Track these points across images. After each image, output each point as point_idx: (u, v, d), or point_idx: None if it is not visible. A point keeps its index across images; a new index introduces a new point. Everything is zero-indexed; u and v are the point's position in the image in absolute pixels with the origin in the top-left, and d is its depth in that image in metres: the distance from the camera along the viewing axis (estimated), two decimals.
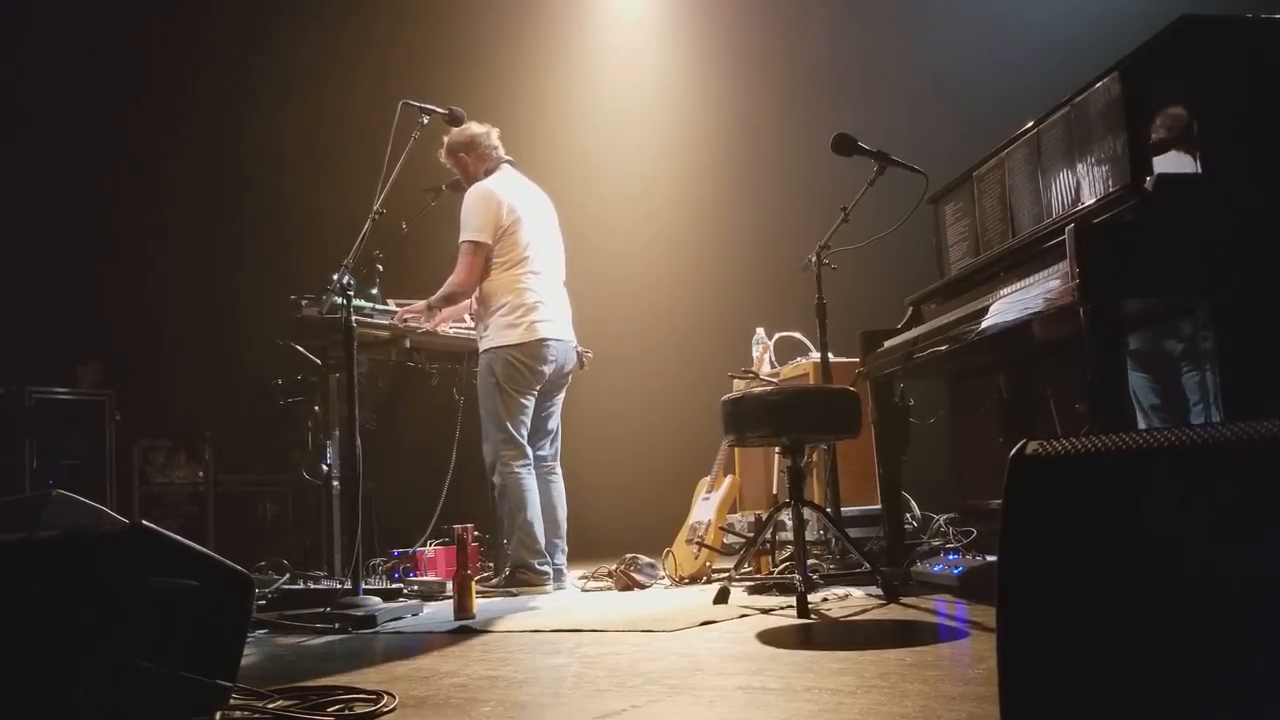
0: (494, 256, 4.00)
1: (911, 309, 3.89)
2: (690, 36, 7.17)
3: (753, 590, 3.53)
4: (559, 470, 4.25)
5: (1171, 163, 2.68)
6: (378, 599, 3.38)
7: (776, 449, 3.95)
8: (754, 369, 4.52)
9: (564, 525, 4.18)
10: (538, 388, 4.05)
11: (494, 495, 4.04)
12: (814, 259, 3.87)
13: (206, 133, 6.85)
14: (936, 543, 3.90)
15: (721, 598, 3.25)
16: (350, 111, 6.24)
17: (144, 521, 1.69)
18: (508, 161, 4.21)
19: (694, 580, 4.08)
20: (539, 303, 4.01)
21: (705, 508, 4.34)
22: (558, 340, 4.05)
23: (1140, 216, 2.55)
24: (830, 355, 3.96)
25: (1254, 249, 2.46)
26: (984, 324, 2.93)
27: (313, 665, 2.53)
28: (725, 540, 4.34)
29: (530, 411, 4.04)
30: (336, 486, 4.14)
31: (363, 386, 3.98)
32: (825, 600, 3.17)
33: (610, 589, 4.04)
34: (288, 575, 4.20)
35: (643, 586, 3.98)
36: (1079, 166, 3.05)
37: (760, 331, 4.71)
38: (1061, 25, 5.72)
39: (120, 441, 5.60)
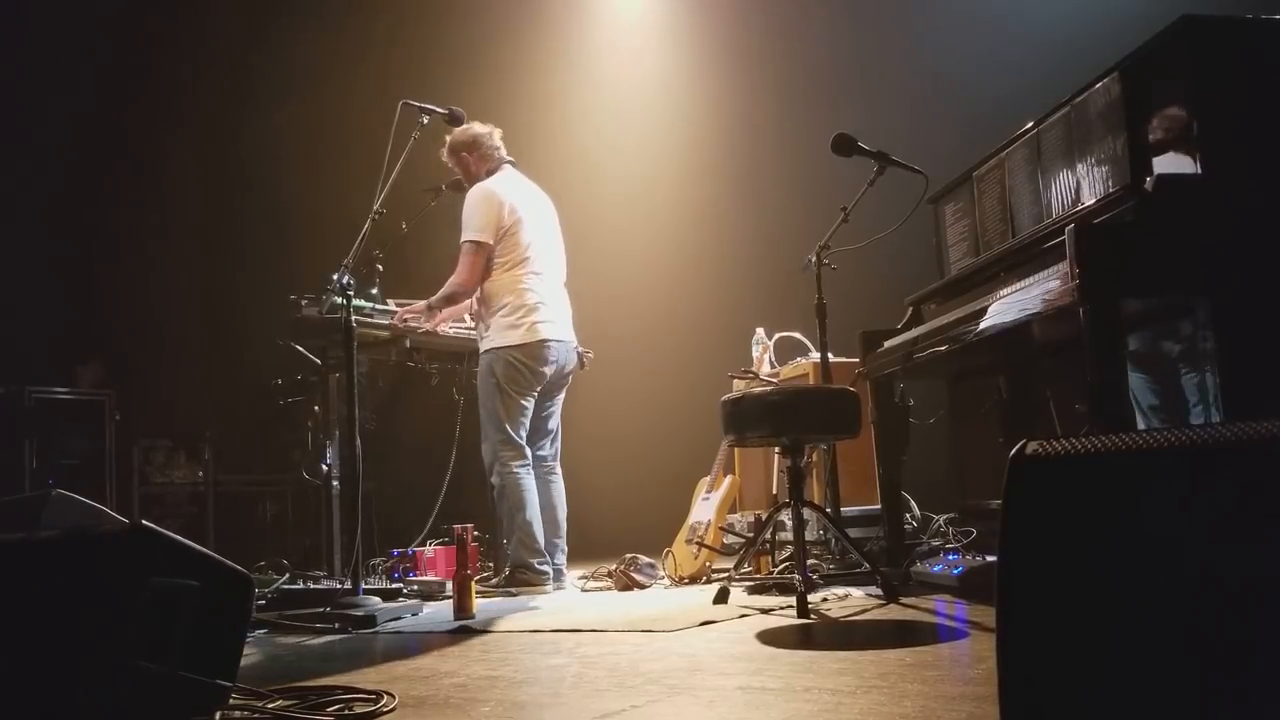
0: (495, 257, 4.00)
1: (911, 309, 3.89)
2: (690, 36, 7.17)
3: (752, 590, 3.54)
4: (559, 470, 4.25)
5: (1171, 163, 2.68)
6: (377, 599, 3.38)
7: (776, 449, 3.95)
8: (754, 369, 4.52)
9: (564, 525, 4.18)
10: (538, 389, 4.05)
11: (493, 496, 4.04)
12: (814, 259, 3.87)
13: (206, 133, 6.85)
14: (936, 543, 3.90)
15: (721, 598, 3.25)
16: (350, 111, 6.24)
17: (144, 521, 1.69)
18: (509, 162, 4.21)
19: (694, 580, 4.09)
20: (540, 304, 4.01)
21: (705, 508, 4.34)
22: (558, 341, 4.05)
23: (1140, 217, 2.55)
24: (830, 355, 3.96)
25: (1254, 249, 2.46)
26: (982, 325, 2.93)
27: (312, 665, 2.53)
28: (725, 540, 4.34)
29: (530, 412, 4.04)
30: (336, 486, 4.14)
31: (363, 386, 3.98)
32: (825, 600, 3.17)
33: (610, 589, 4.04)
34: (288, 575, 4.20)
35: (642, 586, 3.98)
36: (1079, 167, 3.05)
37: (760, 331, 4.71)
38: (1061, 25, 5.72)
39: (120, 441, 5.60)
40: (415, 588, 3.92)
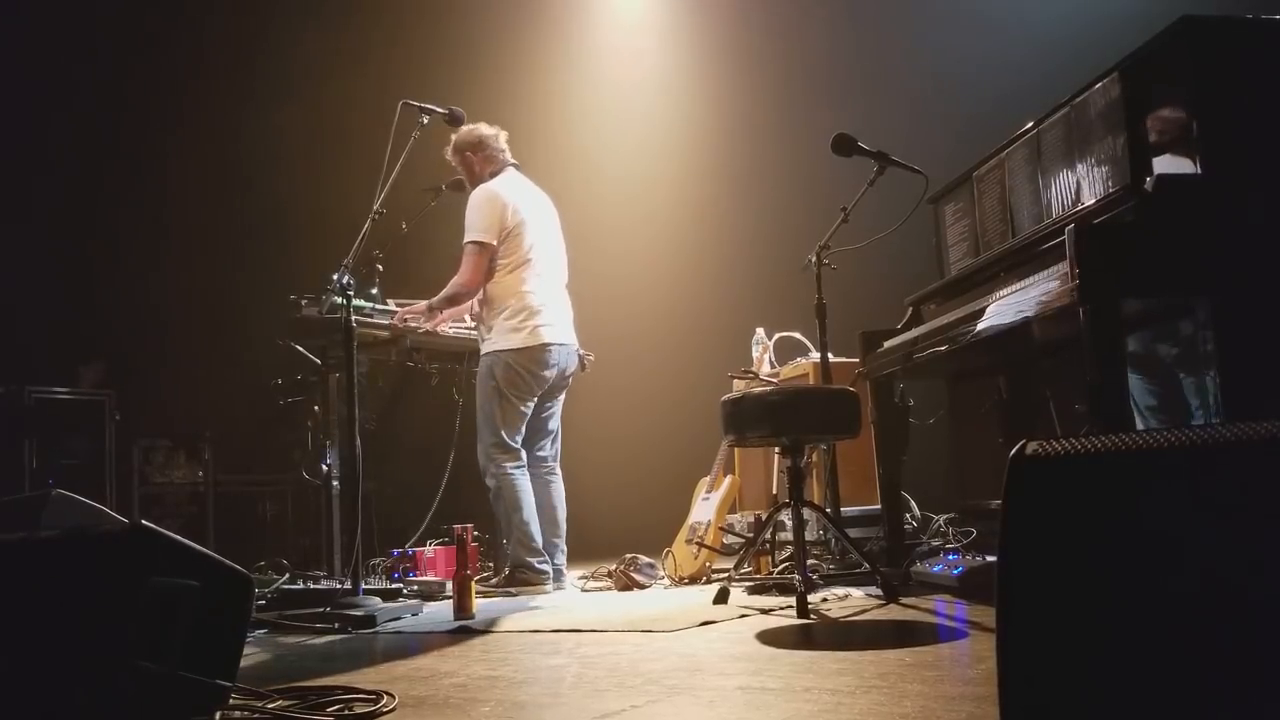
0: (498, 258, 4.00)
1: (911, 309, 3.89)
2: (690, 36, 7.17)
3: (752, 590, 3.53)
4: (559, 471, 4.25)
5: (1171, 163, 2.68)
6: (377, 599, 3.38)
7: (776, 449, 3.95)
8: (754, 369, 4.52)
9: (563, 526, 4.18)
10: (539, 393, 4.05)
11: (490, 497, 4.03)
12: (814, 259, 3.88)
13: (207, 133, 6.85)
14: (936, 543, 3.90)
15: (721, 598, 3.25)
16: (350, 111, 6.24)
17: (144, 521, 1.69)
18: (513, 165, 4.21)
19: (694, 580, 4.09)
20: (542, 307, 4.01)
21: (705, 508, 4.34)
22: (560, 344, 4.05)
23: (1140, 217, 2.55)
24: (830, 355, 3.96)
25: (1254, 249, 2.46)
26: (979, 326, 2.93)
27: (312, 665, 2.53)
28: (725, 540, 4.34)
29: (527, 417, 4.04)
30: (336, 486, 4.14)
31: (362, 386, 3.98)
32: (825, 600, 3.17)
33: (610, 589, 4.04)
34: (287, 575, 4.20)
35: (642, 586, 3.98)
36: (1079, 167, 3.05)
37: (760, 332, 4.71)
38: (1061, 25, 5.72)
39: (120, 441, 5.60)
40: (415, 588, 3.92)
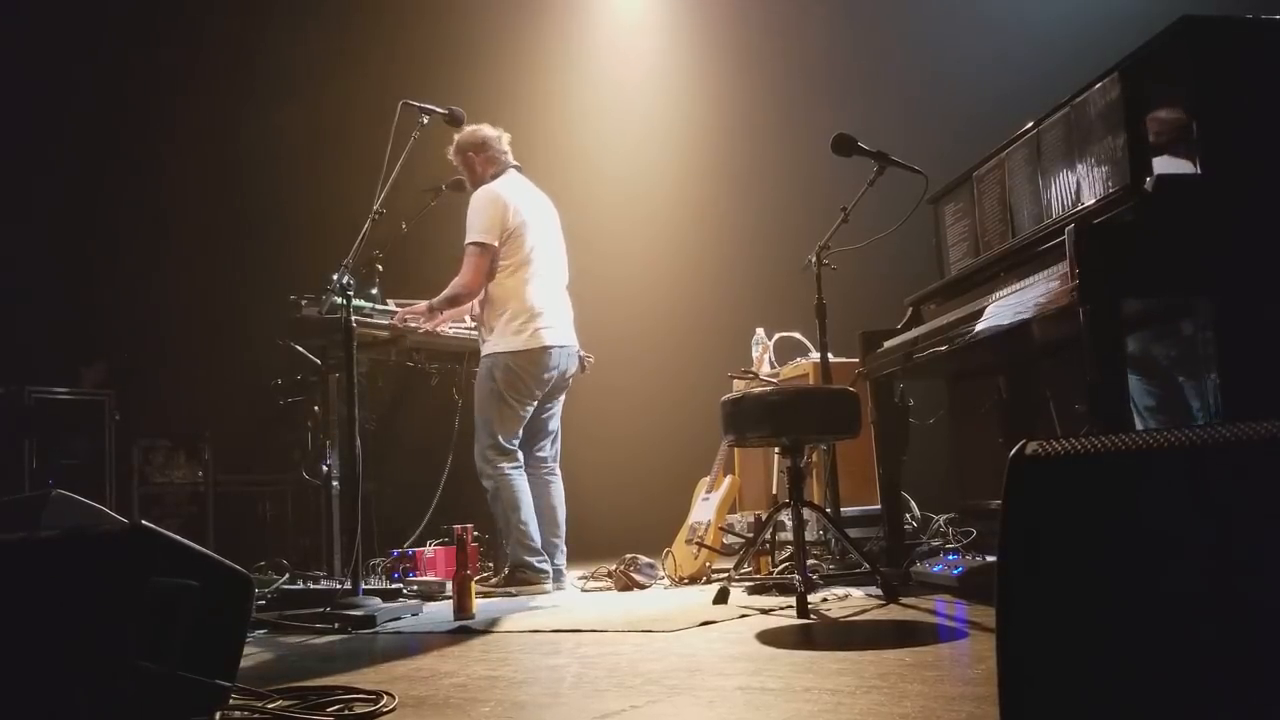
0: (498, 259, 4.00)
1: (911, 309, 3.89)
2: (690, 36, 7.17)
3: (752, 590, 3.53)
4: (558, 472, 4.25)
5: (1171, 163, 2.68)
6: (377, 599, 3.38)
7: (776, 449, 3.95)
8: (754, 369, 4.52)
9: (563, 526, 4.18)
10: (539, 395, 4.05)
11: (487, 498, 4.03)
12: (814, 259, 3.88)
13: (207, 133, 6.84)
14: (936, 543, 3.90)
15: (721, 598, 3.25)
16: (350, 111, 6.24)
17: (144, 521, 1.69)
18: (515, 167, 4.21)
19: (694, 580, 4.09)
20: (542, 309, 4.01)
21: (705, 508, 4.34)
22: (560, 347, 4.05)
23: (1140, 217, 2.55)
24: (830, 355, 3.96)
25: (1254, 249, 2.46)
26: (978, 327, 2.93)
27: (312, 665, 2.53)
28: (725, 540, 4.34)
29: (525, 420, 4.04)
30: (336, 487, 4.14)
31: (362, 386, 3.98)
32: (825, 600, 3.17)
33: (610, 589, 4.04)
34: (287, 575, 4.20)
35: (642, 587, 3.98)
36: (1079, 167, 3.05)
37: (760, 332, 4.72)
38: (1061, 25, 5.72)
39: (120, 441, 5.60)
40: (415, 588, 3.92)
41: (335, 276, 3.42)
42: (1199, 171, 2.57)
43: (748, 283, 6.20)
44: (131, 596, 1.58)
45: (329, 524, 4.17)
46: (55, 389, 5.49)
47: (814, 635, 2.66)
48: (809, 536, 3.98)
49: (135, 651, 1.56)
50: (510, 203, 4.02)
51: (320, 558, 4.38)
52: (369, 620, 3.14)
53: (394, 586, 3.94)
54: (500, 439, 3.96)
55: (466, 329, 4.37)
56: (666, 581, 4.12)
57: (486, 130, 4.17)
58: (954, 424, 4.16)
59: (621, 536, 4.89)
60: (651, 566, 4.10)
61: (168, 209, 6.90)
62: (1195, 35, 2.64)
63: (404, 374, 4.74)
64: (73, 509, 2.11)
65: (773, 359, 4.71)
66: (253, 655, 2.68)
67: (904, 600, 3.05)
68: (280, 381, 5.34)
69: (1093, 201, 2.85)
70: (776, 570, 3.78)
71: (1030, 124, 3.33)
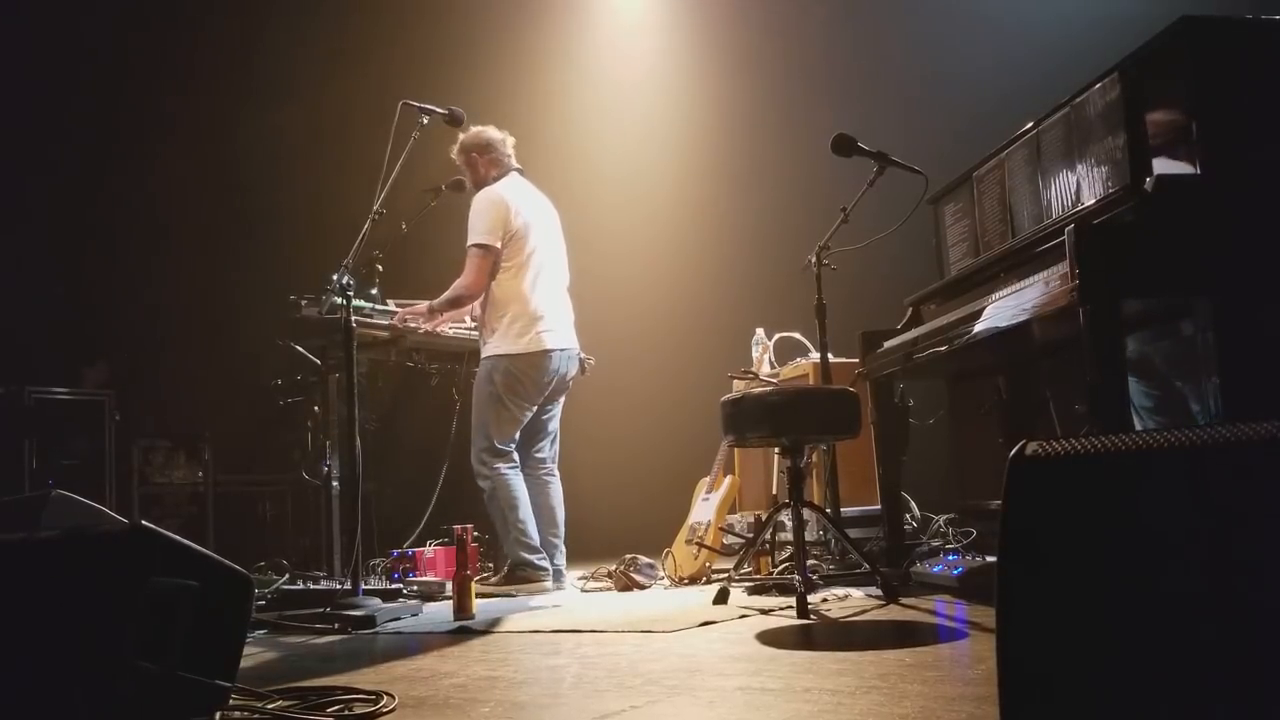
0: (501, 261, 4.00)
1: (911, 309, 3.89)
2: (690, 37, 7.17)
3: (752, 591, 3.53)
4: (557, 473, 4.25)
5: (1171, 163, 2.68)
6: (377, 599, 3.38)
7: (776, 449, 3.95)
8: (754, 369, 4.52)
9: (562, 526, 4.18)
10: (539, 398, 4.05)
11: (484, 499, 4.03)
12: (814, 259, 3.87)
13: (206, 133, 6.84)
14: (936, 543, 3.90)
15: (721, 598, 3.25)
16: (350, 111, 6.24)
17: (143, 522, 1.69)
18: (517, 170, 4.21)
19: (693, 581, 4.08)
20: (544, 312, 4.01)
21: (705, 508, 4.34)
22: (561, 350, 4.05)
23: (1140, 217, 2.54)
24: (830, 356, 3.96)
25: (1254, 249, 2.46)
26: (976, 328, 2.94)
27: (312, 665, 2.53)
28: (725, 541, 4.34)
29: (523, 424, 4.03)
30: (336, 487, 4.14)
31: (362, 387, 3.98)
32: (825, 601, 3.17)
33: (610, 589, 4.04)
34: (287, 575, 4.20)
35: (642, 587, 3.98)
36: (1079, 167, 3.05)
37: (760, 332, 4.71)
38: (1061, 25, 5.73)
39: (120, 441, 5.59)
40: (415, 588, 3.92)
41: (335, 276, 3.42)
42: (1199, 172, 2.57)
43: (748, 283, 6.20)
44: (131, 596, 1.58)
45: (329, 524, 4.17)
46: (55, 389, 5.49)
47: (814, 636, 2.66)
48: (809, 537, 3.98)
49: (135, 651, 1.56)
50: (512, 204, 4.02)
51: (320, 558, 4.38)
52: (369, 620, 3.14)
53: (394, 587, 3.94)
54: (496, 442, 3.96)
55: (466, 329, 4.37)
56: (666, 582, 4.12)
57: (492, 132, 4.17)
58: (954, 424, 4.16)
59: (621, 537, 4.89)
60: (651, 567, 4.10)
61: (168, 209, 6.90)
62: (1195, 35, 2.64)
63: (404, 374, 4.74)
64: (73, 509, 2.11)
65: (773, 359, 4.71)
66: (253, 655, 2.68)
67: (904, 600, 3.05)
68: (280, 382, 5.34)
69: (1093, 202, 2.85)
70: (776, 570, 3.78)
71: (1030, 124, 3.33)
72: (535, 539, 3.95)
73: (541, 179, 4.38)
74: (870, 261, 4.05)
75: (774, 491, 4.59)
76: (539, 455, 4.17)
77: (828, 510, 3.84)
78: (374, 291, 4.20)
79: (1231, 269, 2.44)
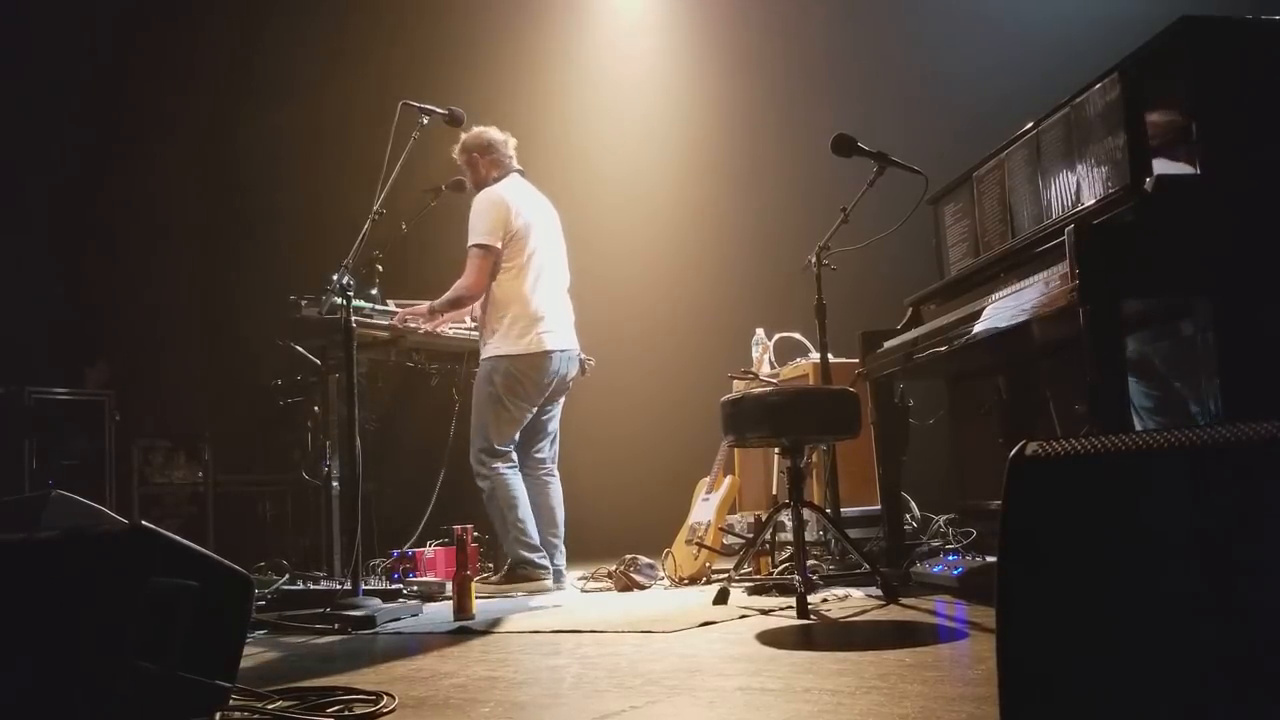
0: (501, 262, 4.00)
1: (911, 310, 3.89)
2: (690, 37, 7.17)
3: (752, 591, 3.53)
4: (556, 473, 4.25)
5: (1171, 163, 2.68)
6: (377, 600, 3.38)
7: (776, 450, 3.95)
8: (754, 370, 4.52)
9: (562, 526, 4.18)
10: (539, 400, 4.05)
11: (484, 499, 4.03)
12: (814, 260, 3.87)
13: (206, 133, 6.84)
14: (936, 543, 3.90)
15: (721, 598, 3.25)
16: (350, 111, 6.24)
17: (143, 522, 1.69)
18: (518, 171, 4.21)
19: (693, 581, 4.08)
20: (544, 313, 4.01)
21: (705, 508, 4.34)
22: (561, 351, 4.05)
23: (1140, 217, 2.54)
24: (830, 356, 3.96)
25: (1254, 249, 2.46)
26: (975, 329, 2.94)
27: (312, 666, 2.53)
28: (725, 541, 4.34)
29: (522, 425, 4.03)
30: (336, 487, 4.13)
31: (362, 387, 3.98)
32: (825, 601, 3.17)
33: (610, 590, 4.04)
34: (287, 576, 4.20)
35: (642, 587, 3.98)
36: (1079, 167, 3.05)
37: (760, 332, 4.71)
38: (1061, 25, 5.72)
39: (120, 441, 5.59)
40: (415, 588, 3.92)
41: (335, 277, 3.42)
42: (1199, 172, 2.57)
43: (748, 283, 6.20)
44: (131, 597, 1.58)
45: (329, 524, 4.17)
46: (55, 389, 5.48)
47: (814, 636, 2.66)
48: (809, 537, 3.98)
49: (135, 652, 1.56)
50: (513, 205, 4.02)
51: (320, 558, 4.38)
52: (369, 621, 3.14)
53: (394, 587, 3.94)
54: (494, 443, 3.96)
55: (466, 330, 4.37)
56: (666, 582, 4.12)
57: (494, 133, 4.17)
58: (954, 424, 4.16)
59: (621, 537, 4.89)
60: (651, 567, 4.10)
61: (168, 209, 6.90)
62: (1195, 35, 2.64)
63: (404, 374, 4.74)
64: (73, 509, 2.11)
65: (773, 359, 4.71)
66: (253, 655, 2.68)
67: (904, 601, 3.05)
68: (280, 382, 5.34)
69: (1093, 202, 2.85)
70: (776, 571, 3.78)
71: (1030, 124, 3.33)
72: (535, 537, 3.95)
73: (541, 179, 4.38)
74: (870, 261, 4.05)
75: (774, 492, 4.59)
76: (539, 455, 4.17)
77: (828, 510, 3.84)
78: (374, 292, 4.20)
79: (1231, 269, 2.44)
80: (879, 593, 3.14)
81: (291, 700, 1.91)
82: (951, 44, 5.99)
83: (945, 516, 4.16)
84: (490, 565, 4.36)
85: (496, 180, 4.11)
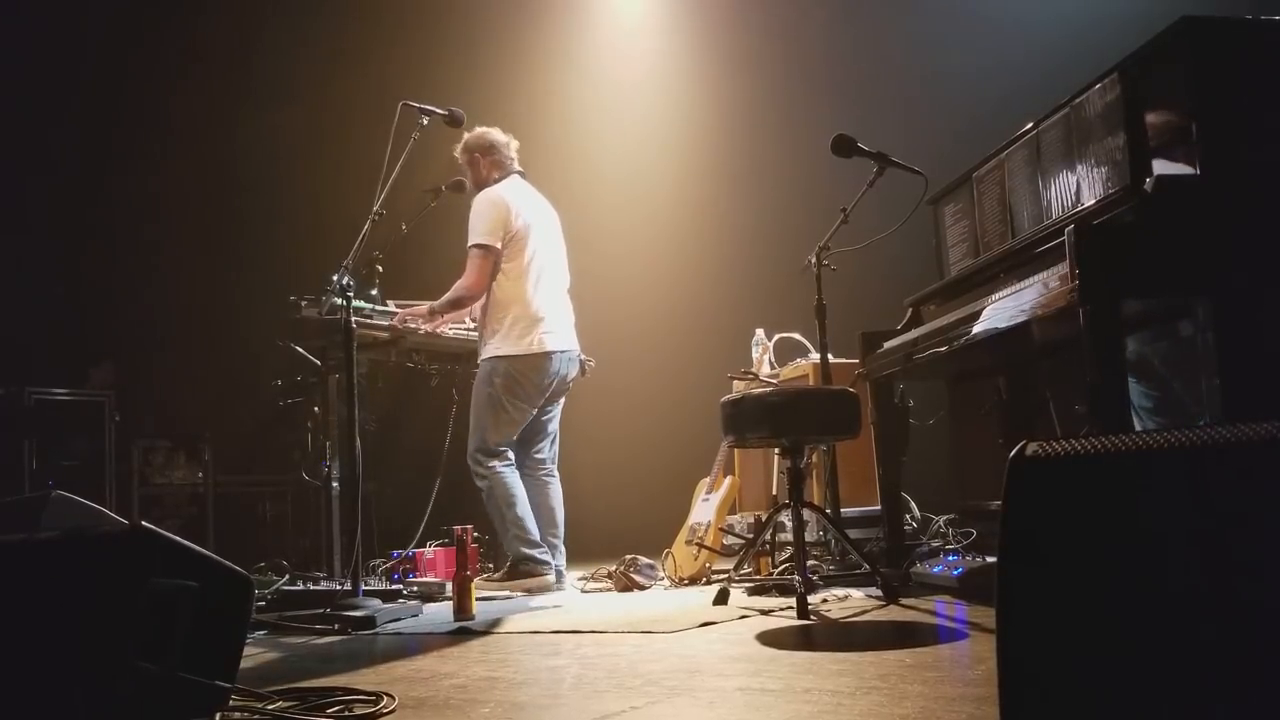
0: (501, 262, 4.00)
1: (911, 310, 3.89)
2: (690, 37, 7.17)
3: (752, 591, 3.53)
4: (556, 474, 4.25)
5: (1171, 164, 2.68)
6: (377, 600, 3.38)
7: (776, 450, 3.94)
8: (754, 370, 4.52)
9: (562, 526, 4.18)
10: (539, 400, 4.04)
11: (483, 498, 4.03)
12: (814, 260, 3.87)
13: (206, 133, 6.84)
14: (936, 544, 3.90)
15: (721, 599, 3.25)
16: (350, 111, 6.24)
17: (143, 522, 1.69)
18: (519, 173, 4.21)
19: (694, 581, 4.08)
20: (545, 314, 4.01)
21: (705, 509, 4.34)
22: (561, 351, 4.05)
23: (1140, 217, 2.55)
24: (830, 356, 3.96)
25: (1253, 249, 2.46)
26: (975, 329, 2.94)
27: (312, 666, 2.53)
28: (725, 541, 4.34)
29: (521, 425, 4.03)
30: (336, 487, 4.13)
31: (362, 387, 3.98)
32: (825, 601, 3.17)
33: (610, 590, 4.04)
34: (287, 576, 4.20)
35: (642, 587, 3.98)
36: (1079, 167, 3.05)
37: (760, 333, 4.71)
38: (1061, 25, 5.72)
39: (120, 442, 5.59)
40: (415, 589, 3.92)
41: (335, 277, 3.42)
42: (1199, 172, 2.57)
43: (748, 283, 6.20)
44: (131, 597, 1.58)
45: (329, 525, 4.17)
46: (55, 389, 5.49)
47: (814, 636, 2.66)
48: (809, 537, 3.98)
49: (135, 652, 1.56)
50: (513, 206, 4.02)
51: (320, 558, 4.38)
52: (369, 621, 3.14)
53: (394, 587, 3.94)
54: (492, 443, 3.95)
55: (466, 330, 4.37)
56: (666, 582, 4.12)
57: (496, 135, 4.18)
58: (954, 425, 4.16)
59: (621, 537, 4.88)
60: (651, 567, 4.10)
61: (168, 209, 6.90)
62: (1195, 35, 2.64)
63: (404, 375, 4.74)
64: (73, 510, 2.11)
65: (773, 360, 4.71)
66: (253, 656, 2.68)
67: (904, 601, 3.05)
68: (280, 382, 5.34)
69: (1092, 202, 2.85)
70: (776, 571, 3.78)
71: (1030, 124, 3.33)
72: (534, 534, 3.95)
73: (541, 179, 4.38)
74: (870, 262, 4.05)
75: (774, 492, 4.59)
76: (539, 456, 4.17)
77: (828, 511, 3.84)
78: (374, 292, 4.20)
79: (1231, 269, 2.44)
80: (879, 593, 3.14)
81: (291, 700, 1.91)
82: (951, 44, 5.99)
83: (945, 517, 4.16)
84: (490, 565, 4.36)
85: (497, 181, 4.12)
